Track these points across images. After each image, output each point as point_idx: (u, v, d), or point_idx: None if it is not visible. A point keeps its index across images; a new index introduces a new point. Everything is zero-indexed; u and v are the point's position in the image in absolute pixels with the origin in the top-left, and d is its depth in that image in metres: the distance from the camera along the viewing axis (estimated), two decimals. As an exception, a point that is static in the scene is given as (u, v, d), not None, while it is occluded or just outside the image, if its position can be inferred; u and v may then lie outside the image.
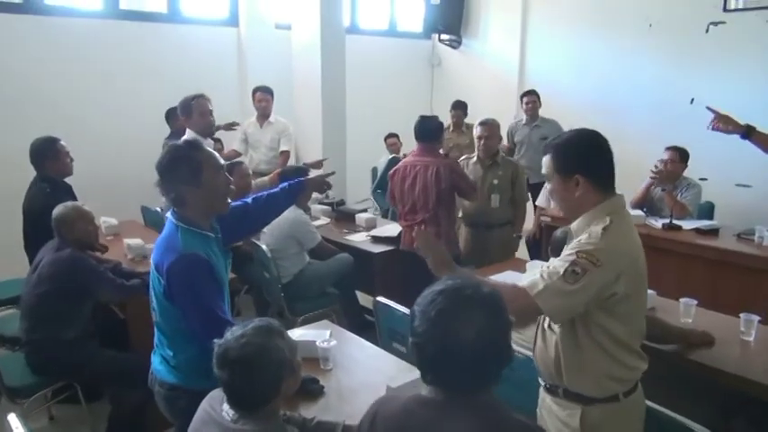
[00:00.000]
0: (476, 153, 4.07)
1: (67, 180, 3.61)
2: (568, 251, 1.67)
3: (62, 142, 3.57)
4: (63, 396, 2.99)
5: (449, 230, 3.80)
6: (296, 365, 1.52)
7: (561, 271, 1.61)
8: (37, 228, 3.28)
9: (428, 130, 3.74)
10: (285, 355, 1.47)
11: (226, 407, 1.48)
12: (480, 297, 1.22)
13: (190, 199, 1.89)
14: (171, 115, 4.97)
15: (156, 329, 2.04)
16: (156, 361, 2.05)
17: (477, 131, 4.03)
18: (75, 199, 3.40)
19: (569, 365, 1.74)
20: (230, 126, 4.88)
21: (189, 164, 1.87)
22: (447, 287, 1.23)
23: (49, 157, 3.50)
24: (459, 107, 6.08)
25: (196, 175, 1.87)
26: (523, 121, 5.77)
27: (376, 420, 1.33)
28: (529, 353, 2.19)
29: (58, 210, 2.90)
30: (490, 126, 3.99)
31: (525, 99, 5.73)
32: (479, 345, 1.17)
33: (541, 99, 5.70)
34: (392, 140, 6.39)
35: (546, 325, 1.80)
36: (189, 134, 3.71)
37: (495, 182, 3.99)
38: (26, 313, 2.85)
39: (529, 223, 4.56)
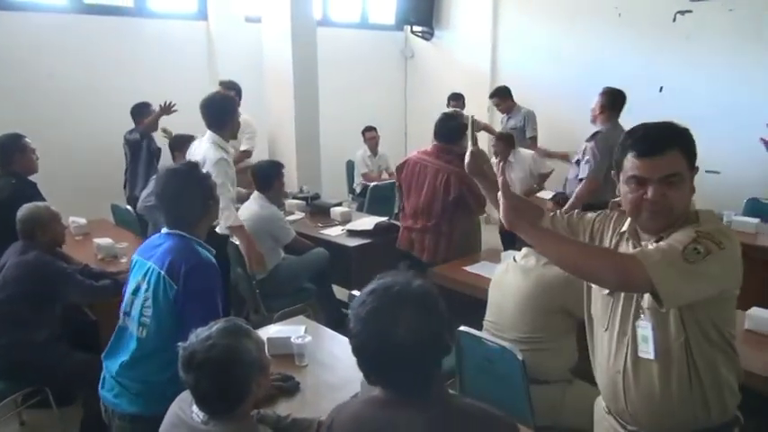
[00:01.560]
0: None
1: (32, 178, 3.51)
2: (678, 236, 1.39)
3: (27, 139, 3.49)
4: (34, 401, 2.91)
5: (450, 239, 3.48)
6: (265, 363, 1.51)
7: (680, 247, 1.34)
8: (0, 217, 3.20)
9: (447, 129, 3.46)
10: (253, 355, 1.46)
11: (195, 409, 1.45)
12: (409, 293, 1.21)
13: (212, 210, 2.14)
14: (136, 112, 4.83)
15: (122, 353, 1.99)
16: (108, 396, 2.00)
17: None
18: (41, 196, 3.34)
19: (685, 405, 1.48)
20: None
21: (210, 181, 2.14)
22: (377, 286, 1.23)
23: (18, 151, 3.42)
24: (457, 98, 5.93)
25: (214, 190, 2.14)
26: None
27: (332, 429, 1.32)
28: (505, 343, 2.19)
29: (29, 210, 2.81)
30: None
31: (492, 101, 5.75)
32: (415, 340, 1.16)
33: (513, 90, 5.72)
34: (371, 134, 6.26)
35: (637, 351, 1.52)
36: (212, 138, 3.35)
37: None
38: (-8, 317, 2.77)
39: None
